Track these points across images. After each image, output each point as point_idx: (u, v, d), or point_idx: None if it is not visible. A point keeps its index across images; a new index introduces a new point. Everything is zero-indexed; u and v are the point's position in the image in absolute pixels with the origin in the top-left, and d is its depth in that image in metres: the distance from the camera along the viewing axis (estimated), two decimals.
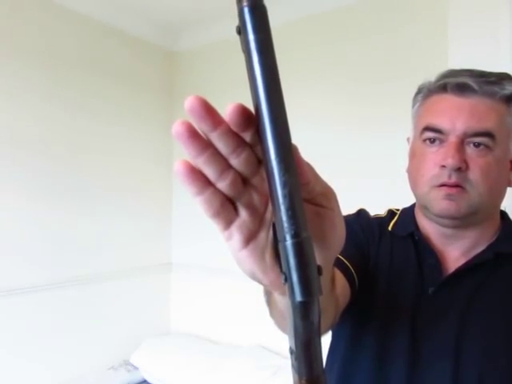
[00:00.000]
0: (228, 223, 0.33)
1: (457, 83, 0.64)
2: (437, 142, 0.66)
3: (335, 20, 2.01)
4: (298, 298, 0.28)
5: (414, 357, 0.66)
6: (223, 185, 0.30)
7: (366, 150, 1.90)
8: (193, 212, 2.53)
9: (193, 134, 0.29)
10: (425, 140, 0.67)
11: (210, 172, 0.30)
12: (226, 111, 0.29)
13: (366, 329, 0.70)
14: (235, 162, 0.30)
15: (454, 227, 0.68)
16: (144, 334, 2.34)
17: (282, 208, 0.28)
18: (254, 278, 0.37)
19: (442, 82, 0.67)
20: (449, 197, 0.63)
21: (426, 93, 0.70)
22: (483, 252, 0.68)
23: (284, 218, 0.28)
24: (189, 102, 0.28)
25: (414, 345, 0.66)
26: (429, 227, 0.72)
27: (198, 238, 2.49)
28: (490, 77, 0.64)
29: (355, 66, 1.94)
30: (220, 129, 0.29)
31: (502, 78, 0.64)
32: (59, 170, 2.01)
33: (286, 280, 0.28)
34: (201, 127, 0.29)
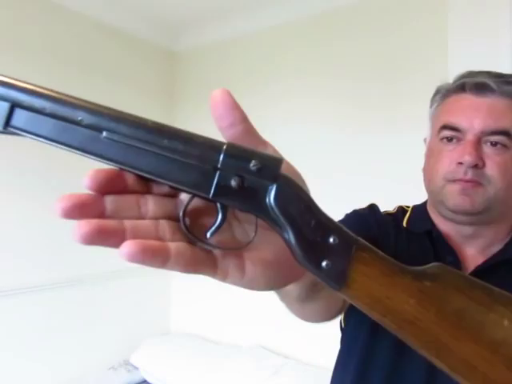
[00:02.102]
0: (213, 263, 0.31)
1: (475, 83, 0.65)
2: (454, 141, 0.66)
3: (335, 20, 2.01)
4: None
5: None
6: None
7: (366, 149, 1.90)
8: None
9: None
10: (442, 138, 0.67)
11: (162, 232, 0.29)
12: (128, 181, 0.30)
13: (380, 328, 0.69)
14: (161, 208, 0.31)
15: (470, 224, 0.67)
16: (144, 334, 2.34)
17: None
18: (275, 284, 0.35)
19: (460, 82, 0.67)
20: (464, 191, 0.63)
21: (445, 93, 0.70)
22: (503, 250, 0.68)
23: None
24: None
25: None
26: (444, 225, 0.71)
27: None
28: (508, 77, 0.65)
29: (354, 66, 1.94)
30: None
31: None
32: (59, 170, 2.01)
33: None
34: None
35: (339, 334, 0.76)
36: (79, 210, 0.28)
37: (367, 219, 0.73)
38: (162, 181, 0.29)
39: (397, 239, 0.72)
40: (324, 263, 0.30)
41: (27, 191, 1.90)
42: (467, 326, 0.30)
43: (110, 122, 0.30)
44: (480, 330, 0.30)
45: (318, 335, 1.59)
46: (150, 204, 0.30)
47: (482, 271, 0.66)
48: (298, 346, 2.01)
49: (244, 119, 0.30)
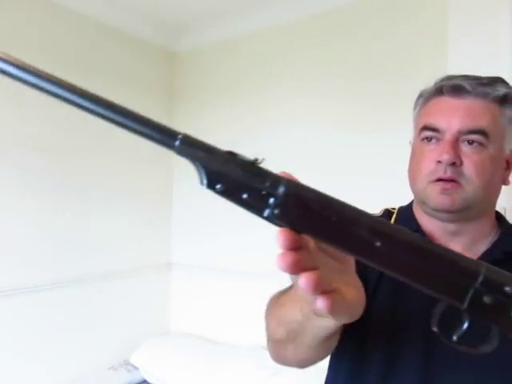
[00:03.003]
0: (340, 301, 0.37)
1: (452, 85, 0.68)
2: (434, 141, 0.69)
3: (335, 20, 2.01)
4: None
5: (429, 360, 0.65)
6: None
7: (365, 149, 1.90)
8: (193, 212, 2.52)
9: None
10: (423, 139, 0.71)
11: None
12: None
13: (370, 341, 0.69)
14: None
15: (453, 221, 0.70)
16: (144, 334, 2.34)
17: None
18: (350, 318, 0.41)
19: (438, 85, 0.71)
20: (444, 191, 0.66)
21: (426, 96, 0.74)
22: (490, 250, 0.70)
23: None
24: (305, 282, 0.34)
25: (429, 349, 0.65)
26: (430, 224, 0.73)
27: (198, 238, 2.49)
28: (483, 79, 0.68)
29: (355, 65, 1.94)
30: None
31: (494, 80, 0.68)
32: (58, 170, 2.01)
33: None
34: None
35: None
36: (297, 264, 0.34)
37: None
38: (417, 286, 0.35)
39: None
40: None
41: (27, 191, 1.90)
42: None
43: (385, 235, 0.34)
44: None
45: None
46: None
47: None
48: None
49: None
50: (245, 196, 0.34)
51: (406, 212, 0.78)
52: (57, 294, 1.99)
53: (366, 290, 0.70)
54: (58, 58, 2.02)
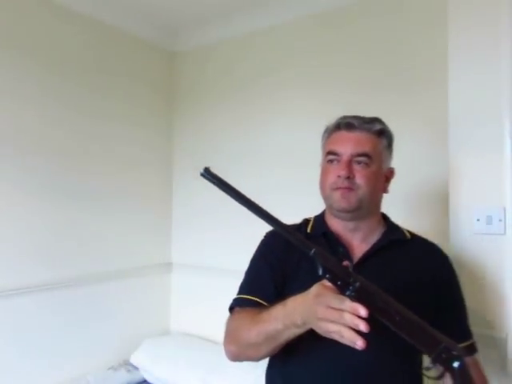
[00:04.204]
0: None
1: (346, 123, 0.99)
2: (335, 162, 0.99)
3: (334, 20, 2.01)
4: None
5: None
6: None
7: None
8: (193, 212, 2.53)
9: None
10: (328, 161, 1.01)
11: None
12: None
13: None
14: None
15: (351, 220, 0.99)
16: (144, 334, 2.34)
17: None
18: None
19: (337, 122, 1.02)
20: (343, 195, 0.95)
21: (329, 131, 1.04)
22: (381, 240, 1.00)
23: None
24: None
25: None
26: (336, 225, 1.02)
27: (198, 238, 2.49)
28: (365, 119, 0.99)
29: (354, 66, 1.94)
30: None
31: (373, 120, 1.00)
32: (59, 170, 2.02)
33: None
34: None
35: None
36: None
37: (275, 240, 1.03)
38: (411, 340, 0.67)
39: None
40: None
41: (28, 192, 1.90)
42: None
43: (401, 314, 0.67)
44: None
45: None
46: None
47: (366, 257, 0.96)
48: None
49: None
50: (339, 283, 0.65)
51: (319, 219, 1.07)
52: (57, 293, 1.99)
53: (288, 272, 0.98)
54: (57, 58, 2.02)
